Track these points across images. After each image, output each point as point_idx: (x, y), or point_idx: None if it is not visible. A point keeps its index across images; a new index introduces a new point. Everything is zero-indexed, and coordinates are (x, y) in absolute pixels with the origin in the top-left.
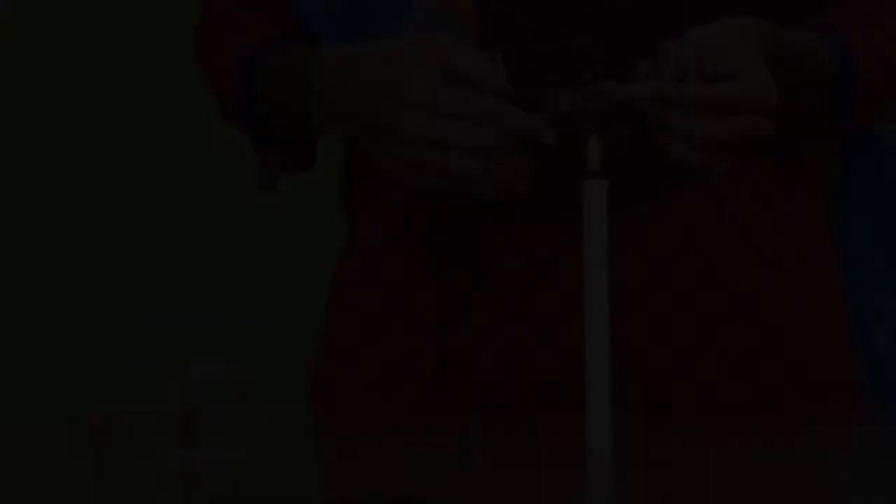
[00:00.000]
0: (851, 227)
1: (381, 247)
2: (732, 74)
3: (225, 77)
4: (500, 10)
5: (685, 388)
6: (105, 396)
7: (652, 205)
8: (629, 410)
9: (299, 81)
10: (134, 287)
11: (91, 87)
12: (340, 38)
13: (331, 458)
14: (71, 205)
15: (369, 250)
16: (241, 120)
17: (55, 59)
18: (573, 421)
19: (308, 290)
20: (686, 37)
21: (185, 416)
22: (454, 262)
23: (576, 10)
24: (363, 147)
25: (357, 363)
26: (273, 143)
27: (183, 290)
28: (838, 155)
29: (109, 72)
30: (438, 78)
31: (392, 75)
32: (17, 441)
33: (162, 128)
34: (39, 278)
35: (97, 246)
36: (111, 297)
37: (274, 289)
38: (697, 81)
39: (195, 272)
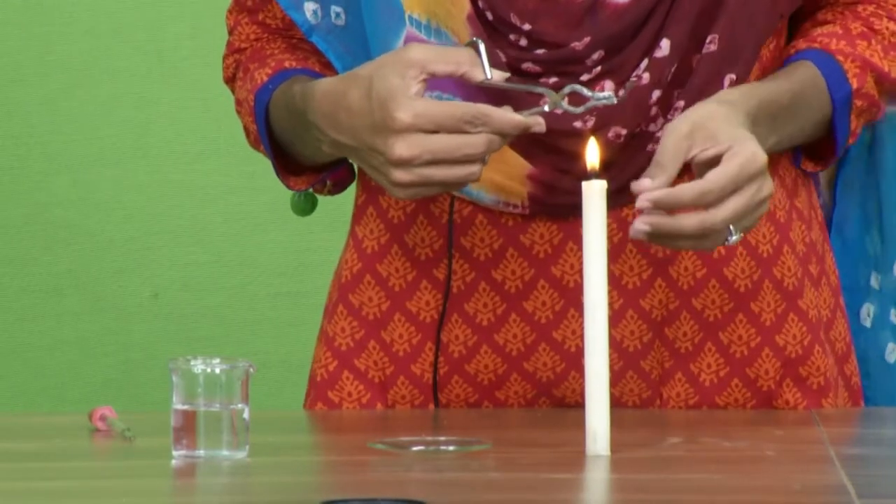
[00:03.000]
0: (847, 224)
1: (381, 247)
2: (722, 152)
3: (244, 108)
4: (495, 14)
5: (684, 386)
6: (107, 395)
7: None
8: (628, 409)
9: (299, 116)
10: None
11: None
12: (344, 52)
13: (330, 459)
14: None
15: (369, 250)
16: (263, 148)
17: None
18: (572, 420)
19: (307, 291)
20: (666, 142)
21: (185, 416)
22: (453, 262)
23: (572, 12)
24: (366, 171)
25: (356, 364)
26: (298, 169)
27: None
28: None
29: None
30: (420, 96)
31: (375, 104)
32: (16, 439)
33: None
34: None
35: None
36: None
37: (272, 290)
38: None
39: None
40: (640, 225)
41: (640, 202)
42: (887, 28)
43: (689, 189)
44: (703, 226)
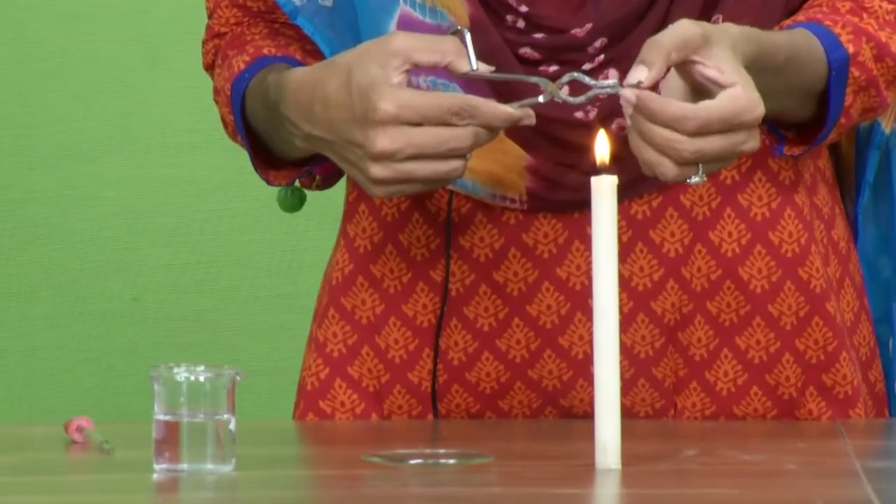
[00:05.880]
0: (869, 226)
1: (374, 246)
2: (722, 83)
3: (222, 97)
4: None
5: (700, 395)
6: (85, 404)
7: (661, 199)
8: (640, 419)
9: (273, 108)
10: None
11: None
12: (332, 35)
13: (321, 473)
14: None
15: (361, 250)
16: (240, 140)
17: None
18: (580, 431)
19: (299, 293)
20: (676, 31)
21: (167, 427)
22: (451, 262)
23: None
24: (343, 168)
25: (349, 371)
26: (278, 163)
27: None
28: (853, 153)
29: None
30: (403, 86)
31: (355, 94)
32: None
33: None
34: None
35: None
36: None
37: (262, 292)
38: (685, 87)
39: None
40: (629, 93)
41: (626, 92)
42: (880, 6)
43: (677, 107)
44: (670, 144)
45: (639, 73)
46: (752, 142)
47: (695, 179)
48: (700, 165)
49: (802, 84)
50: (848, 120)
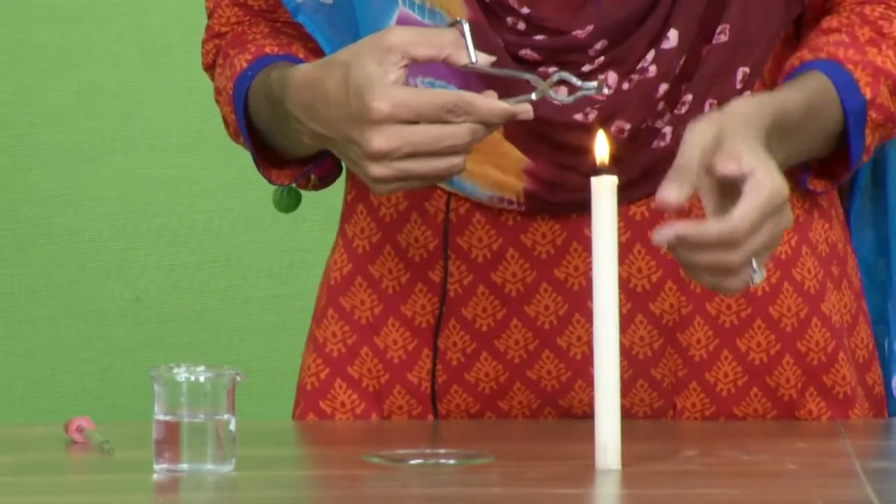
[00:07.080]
0: (867, 229)
1: (373, 247)
2: (744, 175)
3: (223, 97)
4: None
5: (699, 396)
6: (85, 404)
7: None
8: (639, 420)
9: (277, 105)
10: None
11: None
12: (332, 33)
13: (321, 473)
14: None
15: (360, 251)
16: (243, 139)
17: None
18: (580, 431)
19: (299, 293)
20: (692, 138)
21: (167, 427)
22: (450, 263)
23: None
24: (346, 165)
25: (349, 371)
26: (280, 162)
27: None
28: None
29: None
30: (399, 83)
31: (352, 93)
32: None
33: None
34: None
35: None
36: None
37: (261, 292)
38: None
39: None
40: (665, 235)
41: (659, 237)
42: None
43: (715, 228)
44: (720, 266)
45: (671, 195)
46: (787, 218)
47: (757, 279)
48: (753, 261)
49: (823, 129)
50: (868, 155)
